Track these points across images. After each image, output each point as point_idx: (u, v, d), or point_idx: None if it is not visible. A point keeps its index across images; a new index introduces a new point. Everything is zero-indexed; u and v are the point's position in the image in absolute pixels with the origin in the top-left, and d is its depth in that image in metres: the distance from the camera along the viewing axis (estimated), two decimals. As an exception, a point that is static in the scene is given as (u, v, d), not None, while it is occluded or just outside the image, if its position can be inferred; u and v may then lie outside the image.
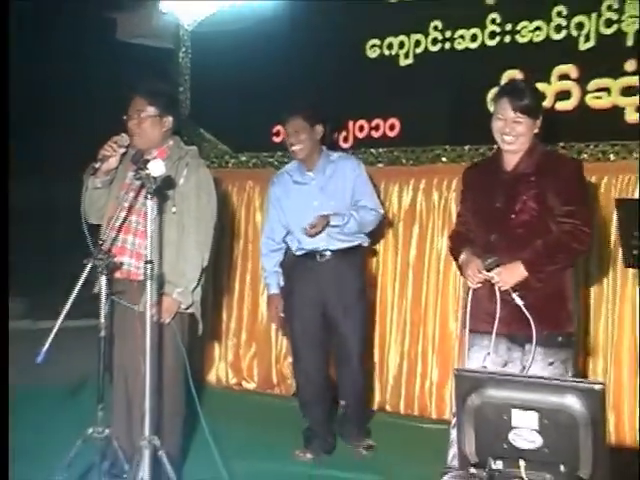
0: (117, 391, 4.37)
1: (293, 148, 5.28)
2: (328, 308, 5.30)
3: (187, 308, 4.32)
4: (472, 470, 2.69)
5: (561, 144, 5.50)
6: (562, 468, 2.68)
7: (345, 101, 6.46)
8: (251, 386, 6.99)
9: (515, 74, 5.74)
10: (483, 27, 5.94)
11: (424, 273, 6.22)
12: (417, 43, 6.24)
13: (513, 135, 3.89)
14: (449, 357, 6.08)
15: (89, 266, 3.79)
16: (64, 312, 3.69)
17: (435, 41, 6.16)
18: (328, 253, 5.25)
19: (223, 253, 6.94)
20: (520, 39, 5.80)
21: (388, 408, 6.35)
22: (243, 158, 7.16)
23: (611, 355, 5.45)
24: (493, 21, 5.91)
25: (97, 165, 4.10)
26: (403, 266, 6.33)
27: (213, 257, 4.48)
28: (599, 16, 5.49)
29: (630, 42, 5.38)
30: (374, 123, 6.44)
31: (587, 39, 5.55)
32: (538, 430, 2.67)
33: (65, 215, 5.10)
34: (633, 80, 5.35)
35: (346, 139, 6.55)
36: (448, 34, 6.10)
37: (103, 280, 3.89)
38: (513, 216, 3.85)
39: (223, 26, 7.12)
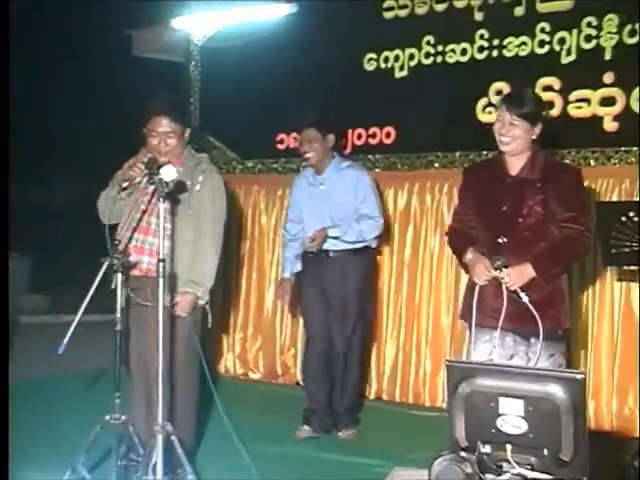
0: (137, 380, 4.36)
1: (306, 155, 5.35)
2: (330, 301, 5.36)
3: (205, 304, 4.34)
4: (462, 454, 2.69)
5: (545, 151, 5.50)
6: (545, 452, 2.69)
7: (344, 111, 6.46)
8: (257, 376, 6.99)
9: (502, 86, 5.75)
10: (472, 42, 5.94)
11: (418, 271, 6.23)
12: (411, 56, 6.24)
13: (509, 136, 3.87)
14: (441, 349, 6.09)
15: (106, 264, 3.79)
16: (83, 307, 3.70)
17: (428, 55, 6.16)
18: (332, 254, 5.31)
19: (231, 252, 6.94)
20: (507, 53, 5.81)
21: (384, 397, 6.35)
22: (249, 164, 7.16)
23: (591, 348, 5.46)
24: (482, 36, 5.91)
25: (125, 185, 4.05)
26: (398, 264, 6.33)
27: (222, 256, 4.48)
28: (580, 32, 5.49)
29: (608, 56, 5.39)
30: (371, 131, 6.44)
31: (569, 53, 5.56)
32: (523, 417, 2.68)
33: (84, 217, 5.11)
34: (611, 91, 5.35)
35: (345, 146, 6.54)
36: (440, 48, 6.10)
37: (119, 277, 3.89)
38: (521, 220, 3.84)
39: (230, 42, 7.11)
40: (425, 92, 6.17)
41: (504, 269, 3.77)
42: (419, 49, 6.19)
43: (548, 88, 5.56)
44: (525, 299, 3.74)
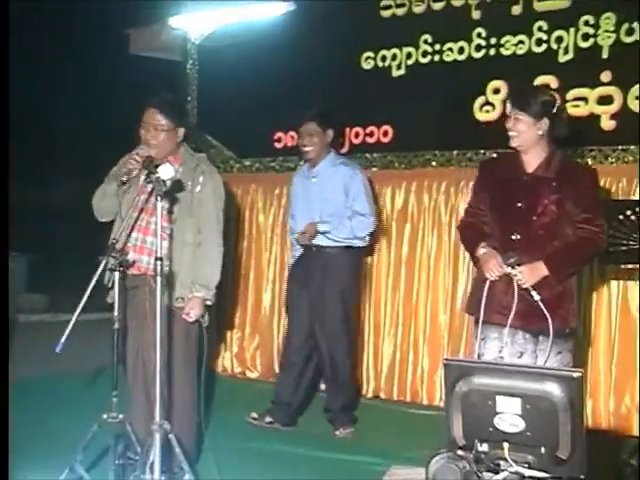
0: (135, 379, 4.35)
1: (305, 149, 5.41)
2: (313, 299, 5.40)
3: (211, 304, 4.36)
4: (459, 452, 2.69)
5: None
6: (543, 450, 2.69)
7: (342, 109, 6.45)
8: (254, 375, 6.99)
9: (500, 84, 5.75)
10: (470, 40, 5.94)
11: (415, 269, 6.22)
12: (409, 55, 6.24)
13: (514, 131, 3.89)
14: (439, 347, 6.08)
15: (103, 263, 3.78)
16: (80, 306, 3.69)
17: (425, 53, 6.16)
18: (320, 250, 5.35)
19: (228, 251, 6.89)
20: (504, 52, 5.80)
21: (382, 395, 6.35)
22: (247, 163, 7.15)
23: (589, 346, 5.46)
24: (479, 35, 5.91)
25: (124, 179, 4.06)
26: (396, 263, 6.32)
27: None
28: (577, 30, 5.49)
29: (605, 55, 5.39)
30: (369, 130, 6.44)
31: (566, 52, 5.55)
32: (521, 415, 2.68)
33: (82, 216, 5.10)
34: (609, 90, 5.35)
35: (342, 145, 6.54)
36: (437, 47, 6.10)
37: (116, 276, 3.89)
38: (535, 218, 3.83)
39: (227, 40, 7.11)
40: (422, 91, 6.17)
41: (517, 266, 3.77)
42: (416, 48, 6.19)
43: (545, 87, 5.54)
44: (536, 297, 3.74)
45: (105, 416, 3.85)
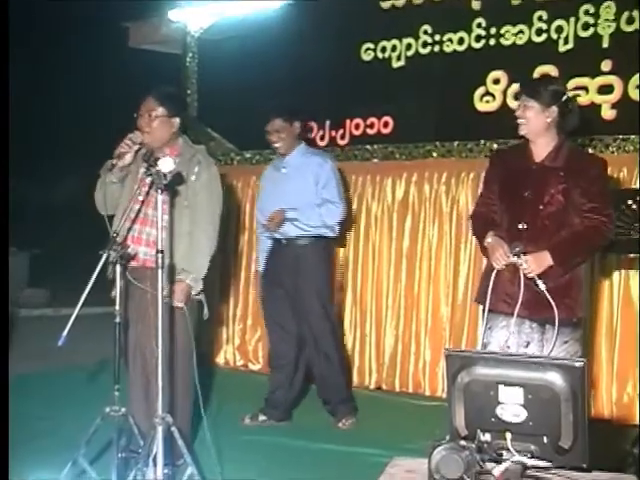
0: (134, 371, 4.36)
1: (275, 145, 5.42)
2: (286, 287, 5.39)
3: (197, 294, 4.33)
4: (462, 442, 2.68)
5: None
6: (545, 439, 2.68)
7: (342, 101, 6.46)
8: (256, 367, 6.99)
9: (500, 75, 5.74)
10: (470, 31, 5.93)
11: (417, 260, 6.22)
12: (408, 46, 6.23)
13: (523, 118, 3.88)
14: (441, 338, 6.09)
15: (104, 257, 3.78)
16: (82, 300, 3.69)
17: (425, 44, 6.15)
18: (289, 240, 5.34)
19: (229, 244, 6.94)
20: (504, 42, 5.79)
21: (384, 387, 6.35)
22: (247, 155, 7.15)
23: (590, 336, 5.46)
24: (479, 25, 5.90)
25: (114, 161, 4.15)
26: (397, 254, 6.32)
27: (220, 246, 4.48)
28: (577, 20, 5.48)
29: (606, 44, 5.37)
30: (369, 121, 6.43)
31: (566, 41, 5.54)
32: (523, 405, 2.67)
33: (83, 210, 5.10)
34: (609, 79, 5.34)
35: (343, 136, 6.54)
36: (437, 38, 6.09)
37: (118, 269, 3.88)
38: (541, 207, 3.83)
39: (227, 33, 7.11)
40: (423, 82, 6.16)
41: (522, 255, 3.77)
42: (416, 39, 6.18)
43: (546, 76, 5.53)
44: (542, 287, 3.74)
45: (108, 409, 3.85)
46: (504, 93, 5.77)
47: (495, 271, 3.85)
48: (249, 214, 7.03)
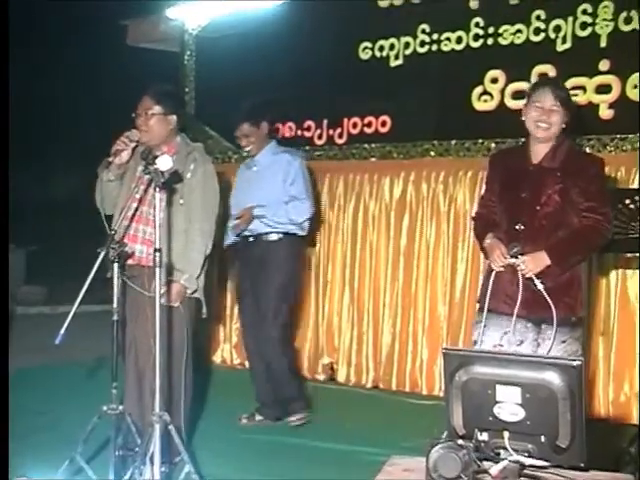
0: (129, 370, 4.36)
1: (245, 149, 5.53)
2: (251, 283, 5.40)
3: (193, 293, 4.32)
4: (459, 441, 2.68)
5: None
6: (543, 439, 2.68)
7: (340, 100, 6.45)
8: (254, 365, 6.97)
9: (497, 74, 5.74)
10: (468, 30, 5.93)
11: (414, 259, 6.22)
12: (406, 45, 6.22)
13: (547, 123, 3.85)
14: (438, 337, 6.09)
15: (102, 255, 3.77)
16: (79, 298, 3.68)
17: (423, 43, 6.14)
18: (257, 238, 5.34)
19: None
20: (502, 41, 5.79)
21: (381, 385, 6.35)
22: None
23: (588, 335, 5.45)
24: (477, 24, 5.89)
25: (111, 159, 4.15)
26: (394, 253, 6.32)
27: (217, 245, 4.47)
28: (575, 19, 5.47)
29: (604, 43, 5.37)
30: (367, 120, 6.43)
31: (564, 41, 5.54)
32: (521, 404, 2.67)
33: (81, 208, 5.10)
34: (607, 79, 5.34)
35: (341, 135, 6.53)
36: (435, 37, 6.08)
37: (115, 267, 3.88)
38: (538, 208, 3.83)
39: (224, 31, 7.10)
40: (420, 81, 6.16)
41: (520, 256, 3.77)
42: (414, 38, 6.18)
43: (543, 76, 5.53)
44: (540, 286, 3.74)
45: (105, 408, 3.84)
46: (502, 92, 5.77)
47: (494, 272, 3.85)
48: (247, 212, 7.02)
